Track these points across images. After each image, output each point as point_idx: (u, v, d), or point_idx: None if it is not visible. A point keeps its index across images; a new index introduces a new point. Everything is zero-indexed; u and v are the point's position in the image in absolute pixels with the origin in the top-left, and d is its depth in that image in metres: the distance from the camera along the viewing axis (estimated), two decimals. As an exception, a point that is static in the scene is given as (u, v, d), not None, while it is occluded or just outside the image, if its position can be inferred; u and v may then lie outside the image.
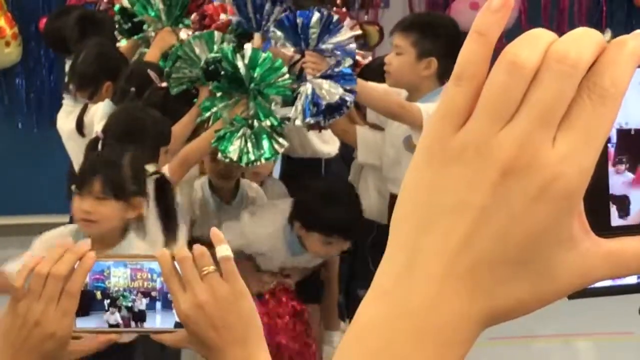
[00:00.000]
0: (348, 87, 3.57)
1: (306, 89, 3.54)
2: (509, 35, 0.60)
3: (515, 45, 0.52)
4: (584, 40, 0.52)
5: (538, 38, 0.52)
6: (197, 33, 3.88)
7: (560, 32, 0.52)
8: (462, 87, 0.52)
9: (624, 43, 0.52)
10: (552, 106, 0.51)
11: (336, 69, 3.57)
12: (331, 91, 3.53)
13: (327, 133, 4.15)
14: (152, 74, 3.91)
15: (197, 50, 3.77)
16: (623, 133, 0.54)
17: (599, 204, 0.54)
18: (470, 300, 0.52)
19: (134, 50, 4.51)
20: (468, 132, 0.52)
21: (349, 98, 3.57)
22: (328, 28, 3.61)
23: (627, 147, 0.54)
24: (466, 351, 0.53)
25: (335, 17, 3.63)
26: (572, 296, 0.55)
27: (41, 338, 1.37)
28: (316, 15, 3.58)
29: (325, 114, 3.56)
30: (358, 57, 4.04)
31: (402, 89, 3.95)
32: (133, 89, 3.99)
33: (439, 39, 3.88)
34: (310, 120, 3.54)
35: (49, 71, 7.07)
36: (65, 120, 4.39)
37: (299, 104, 3.53)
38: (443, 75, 3.84)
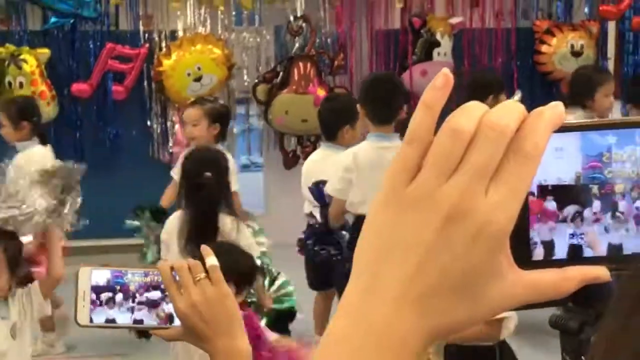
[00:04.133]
0: None
1: None
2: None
3: (456, 115, 0.64)
4: (510, 111, 0.64)
5: (474, 109, 0.64)
6: None
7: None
8: (412, 147, 0.64)
9: (542, 113, 0.64)
10: (485, 164, 0.63)
11: None
12: None
13: None
14: None
15: None
16: (542, 187, 0.67)
17: (521, 242, 0.66)
18: (420, 321, 0.64)
19: None
20: (419, 184, 0.64)
21: None
22: None
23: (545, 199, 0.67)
24: None
25: None
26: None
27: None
28: None
29: None
30: None
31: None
32: None
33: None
34: None
35: (80, 124, 8.75)
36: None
37: None
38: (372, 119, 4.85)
